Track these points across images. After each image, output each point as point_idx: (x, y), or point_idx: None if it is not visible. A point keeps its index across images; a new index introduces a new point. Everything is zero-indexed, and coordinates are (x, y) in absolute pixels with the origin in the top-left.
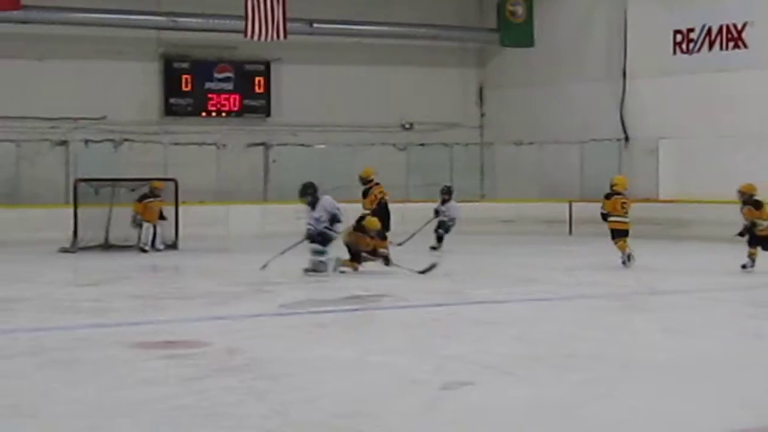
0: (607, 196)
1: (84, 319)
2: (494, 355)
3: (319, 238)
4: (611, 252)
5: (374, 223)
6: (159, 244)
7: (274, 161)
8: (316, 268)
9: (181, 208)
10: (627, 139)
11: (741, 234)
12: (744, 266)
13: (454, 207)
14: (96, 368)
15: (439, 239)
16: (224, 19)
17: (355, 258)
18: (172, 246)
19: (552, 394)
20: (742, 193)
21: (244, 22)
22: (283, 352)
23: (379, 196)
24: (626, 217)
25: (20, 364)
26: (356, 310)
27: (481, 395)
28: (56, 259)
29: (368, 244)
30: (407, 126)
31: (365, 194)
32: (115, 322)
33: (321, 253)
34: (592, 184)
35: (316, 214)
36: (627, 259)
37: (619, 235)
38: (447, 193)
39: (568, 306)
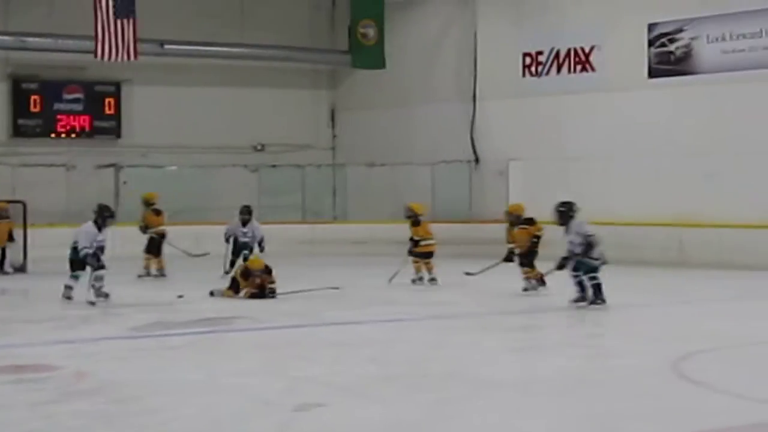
0: (416, 223)
1: None
2: (347, 376)
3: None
4: (460, 272)
5: (259, 263)
6: (7, 267)
7: (124, 183)
8: (67, 295)
9: (30, 231)
10: (477, 160)
11: (507, 260)
12: (526, 289)
13: (257, 227)
14: None
15: (233, 264)
16: (74, 39)
17: (235, 288)
18: (21, 269)
19: (405, 414)
20: (509, 214)
21: (93, 43)
22: (133, 375)
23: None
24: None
25: None
26: (208, 332)
27: (334, 416)
28: None
29: (256, 284)
30: (259, 147)
31: (158, 213)
32: None
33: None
34: (444, 206)
35: (101, 236)
36: (435, 279)
37: (430, 256)
38: (247, 213)
39: (421, 327)
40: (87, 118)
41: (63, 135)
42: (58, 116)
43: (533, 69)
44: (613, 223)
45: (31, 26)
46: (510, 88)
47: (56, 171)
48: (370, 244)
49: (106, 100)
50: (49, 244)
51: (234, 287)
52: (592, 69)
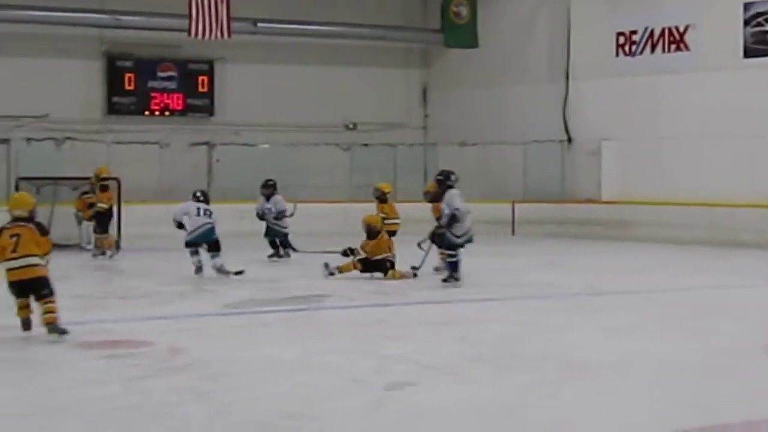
0: (383, 201)
1: None
2: (438, 355)
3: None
4: (554, 252)
5: (376, 219)
6: (87, 244)
7: (217, 161)
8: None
9: (123, 208)
10: (569, 140)
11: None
12: (437, 268)
13: (278, 201)
14: (39, 368)
15: (275, 245)
16: (168, 17)
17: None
18: (115, 245)
19: (496, 395)
20: (425, 193)
21: (188, 21)
22: (226, 351)
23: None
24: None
25: None
26: (300, 309)
27: (425, 395)
28: None
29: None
30: (351, 126)
31: (103, 189)
32: None
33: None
34: (535, 185)
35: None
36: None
37: (394, 235)
38: (266, 187)
39: (512, 306)
40: (180, 96)
41: (157, 113)
42: (152, 94)
43: (627, 48)
44: (707, 204)
45: (126, 4)
46: (603, 68)
47: (150, 149)
48: None
49: (200, 78)
50: (142, 221)
51: (362, 262)
52: (687, 48)
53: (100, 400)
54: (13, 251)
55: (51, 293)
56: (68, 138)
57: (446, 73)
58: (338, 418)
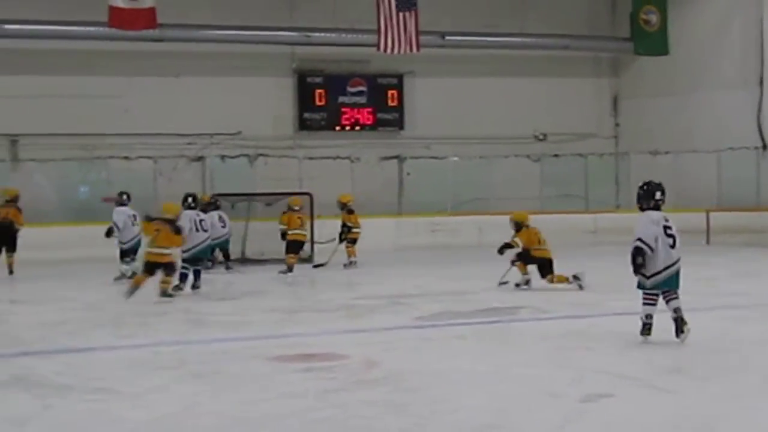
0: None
1: (223, 332)
2: (635, 366)
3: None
4: (751, 261)
5: (522, 215)
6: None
7: (408, 174)
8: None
9: (316, 222)
10: (765, 146)
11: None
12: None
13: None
14: (236, 381)
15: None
16: (357, 33)
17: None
18: (307, 259)
19: (694, 406)
20: (338, 202)
21: (376, 36)
22: (421, 364)
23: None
24: (303, 230)
25: (163, 378)
26: (494, 322)
27: (622, 408)
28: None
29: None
30: (541, 137)
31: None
32: (253, 336)
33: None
34: (730, 193)
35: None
36: (289, 271)
37: (295, 248)
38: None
39: (710, 316)
40: (370, 110)
41: (347, 128)
42: (343, 109)
43: None
44: None
45: (316, 21)
46: None
47: (341, 163)
48: None
49: (389, 93)
50: (334, 235)
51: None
52: None
53: (297, 413)
54: (154, 240)
55: (173, 272)
56: (261, 154)
57: (637, 81)
58: (535, 430)
